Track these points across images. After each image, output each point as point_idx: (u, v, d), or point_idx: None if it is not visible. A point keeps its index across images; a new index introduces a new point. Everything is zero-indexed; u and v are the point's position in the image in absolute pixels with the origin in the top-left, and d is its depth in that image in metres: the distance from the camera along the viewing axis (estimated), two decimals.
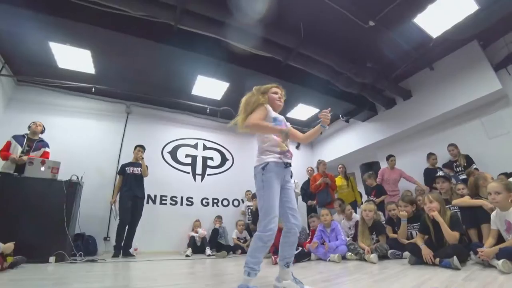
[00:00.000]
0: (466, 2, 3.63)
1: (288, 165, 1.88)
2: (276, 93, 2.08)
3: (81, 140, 5.43)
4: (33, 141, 4.10)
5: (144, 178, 4.97)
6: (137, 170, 4.87)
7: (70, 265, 3.32)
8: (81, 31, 3.73)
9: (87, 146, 5.43)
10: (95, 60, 4.68)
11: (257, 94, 2.02)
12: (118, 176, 4.95)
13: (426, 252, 2.51)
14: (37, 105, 5.23)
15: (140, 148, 5.04)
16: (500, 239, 2.31)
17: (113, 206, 4.75)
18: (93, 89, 5.31)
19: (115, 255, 4.31)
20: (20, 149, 3.95)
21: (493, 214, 2.39)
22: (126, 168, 4.83)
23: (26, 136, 4.11)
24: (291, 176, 1.95)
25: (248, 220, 6.05)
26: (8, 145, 3.94)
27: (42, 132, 4.30)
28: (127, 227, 4.53)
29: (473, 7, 3.67)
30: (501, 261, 1.93)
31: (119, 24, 3.71)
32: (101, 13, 3.49)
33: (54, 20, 3.49)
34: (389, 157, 5.64)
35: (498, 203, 2.30)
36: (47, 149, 4.22)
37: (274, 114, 1.97)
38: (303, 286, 1.76)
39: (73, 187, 3.81)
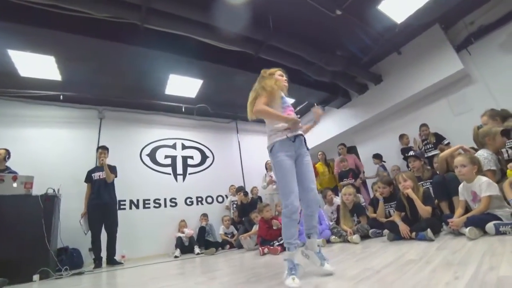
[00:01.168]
0: None
1: (295, 138, 1.90)
2: (281, 75, 2.20)
3: (54, 151, 5.20)
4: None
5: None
6: (103, 175, 4.62)
7: (55, 281, 3.23)
8: (42, 36, 3.54)
9: (61, 157, 5.21)
10: (60, 66, 4.45)
11: (265, 76, 2.14)
12: (85, 183, 4.65)
13: (403, 228, 2.67)
14: (2, 118, 4.93)
15: (102, 150, 4.74)
16: (468, 209, 2.50)
17: (81, 221, 4.43)
18: (61, 96, 5.09)
19: (97, 266, 4.22)
20: None
21: (460, 186, 2.57)
22: (93, 175, 4.62)
23: None
24: (307, 148, 1.98)
25: (233, 215, 6.10)
26: None
27: (6, 158, 3.96)
28: (100, 236, 4.41)
29: None
30: (468, 228, 2.10)
31: (83, 28, 3.57)
32: (62, 16, 3.33)
33: (11, 26, 3.30)
34: (338, 145, 6.04)
35: (464, 175, 2.47)
36: None
37: (282, 94, 2.05)
38: (323, 263, 1.79)
39: (50, 201, 3.68)
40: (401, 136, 5.44)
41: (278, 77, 2.15)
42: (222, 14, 3.72)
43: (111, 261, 4.39)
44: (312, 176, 1.93)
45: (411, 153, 3.87)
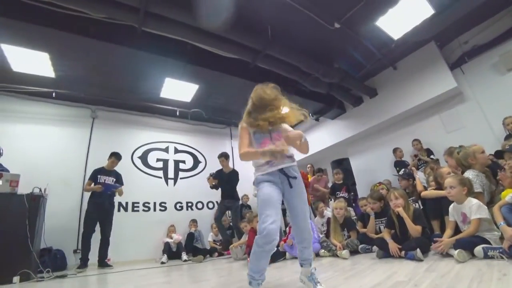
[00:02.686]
0: (423, 7, 3.86)
1: (284, 170, 1.76)
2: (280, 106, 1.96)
3: (43, 149, 5.09)
4: None
5: None
6: (109, 180, 4.64)
7: (36, 283, 3.13)
8: (37, 33, 3.50)
9: (50, 155, 5.10)
10: (54, 63, 4.37)
11: (249, 103, 1.98)
12: (88, 180, 4.62)
13: (392, 246, 2.66)
14: None
15: (115, 158, 4.82)
16: (458, 229, 2.51)
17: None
18: (53, 93, 4.99)
19: (81, 267, 4.11)
20: None
21: (451, 207, 2.58)
22: (99, 176, 4.59)
23: None
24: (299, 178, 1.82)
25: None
26: None
27: None
28: (91, 237, 4.34)
29: (430, 11, 3.91)
30: (457, 251, 2.10)
31: (80, 27, 3.53)
32: (58, 14, 3.29)
33: (5, 22, 3.24)
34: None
35: (453, 197, 2.48)
36: None
37: (258, 136, 1.87)
38: (316, 286, 1.73)
39: (36, 200, 3.57)
40: (395, 150, 5.49)
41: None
42: (220, 21, 3.71)
43: (102, 264, 4.34)
44: (304, 210, 1.78)
45: (401, 172, 3.93)
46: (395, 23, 4.18)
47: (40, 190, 3.72)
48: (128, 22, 3.58)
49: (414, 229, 2.65)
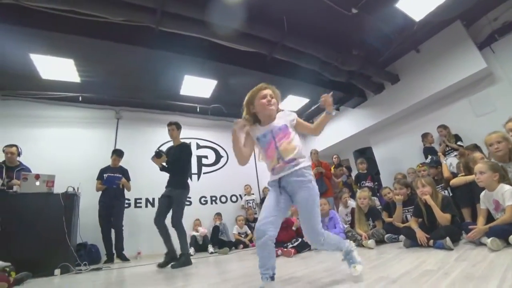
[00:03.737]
0: None
1: (283, 179, 1.71)
2: (264, 96, 1.77)
3: (74, 151, 5.39)
4: (12, 170, 3.88)
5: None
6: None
7: (75, 275, 3.35)
8: (62, 41, 3.69)
9: (80, 156, 5.39)
10: (79, 69, 4.61)
11: (244, 109, 1.86)
12: (96, 180, 4.84)
13: (420, 235, 2.59)
14: (24, 119, 5.15)
15: (116, 156, 4.98)
16: (490, 218, 2.40)
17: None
18: (80, 97, 5.25)
19: (108, 261, 4.42)
20: (0, 182, 3.71)
21: (482, 194, 2.47)
22: (105, 175, 4.78)
23: (3, 165, 3.87)
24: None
25: (248, 214, 6.12)
26: None
27: (19, 155, 4.07)
28: (110, 234, 4.63)
29: None
30: (490, 239, 2.01)
31: (100, 31, 3.66)
32: (80, 21, 3.43)
33: (33, 32, 3.44)
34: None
35: (483, 183, 2.37)
36: None
37: (258, 132, 1.80)
38: (349, 267, 1.80)
39: (70, 199, 3.81)
40: (425, 135, 5.18)
41: (260, 102, 1.78)
42: (235, 15, 3.71)
43: (120, 256, 4.60)
44: (315, 216, 1.68)
45: (428, 159, 3.78)
46: (417, 4, 4.00)
47: (74, 189, 3.95)
48: (145, 23, 3.67)
49: (443, 217, 2.57)
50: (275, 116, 1.84)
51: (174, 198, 3.66)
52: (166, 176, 6.12)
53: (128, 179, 4.97)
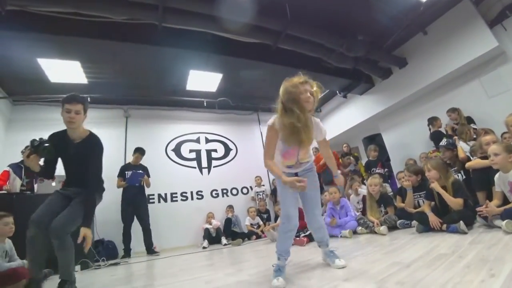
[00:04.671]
0: None
1: (299, 173, 1.99)
2: (303, 92, 1.70)
3: None
4: (31, 171, 3.80)
5: (152, 178, 5.10)
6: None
7: (95, 271, 3.48)
8: (67, 43, 3.71)
9: None
10: (86, 70, 4.67)
11: (279, 107, 1.78)
12: (117, 178, 4.95)
13: (433, 219, 2.58)
14: (36, 122, 5.25)
15: (139, 154, 5.11)
16: (506, 201, 2.36)
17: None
18: (88, 98, 5.30)
19: (125, 256, 4.53)
20: (19, 182, 3.79)
21: (496, 176, 2.42)
22: (126, 172, 4.92)
23: (22, 166, 3.90)
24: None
25: (260, 206, 6.18)
26: (5, 175, 3.75)
27: None
28: (131, 229, 4.72)
29: None
30: (505, 221, 1.99)
31: (104, 32, 3.68)
32: (84, 23, 3.45)
33: (38, 36, 3.48)
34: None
35: (497, 165, 2.33)
36: None
37: (288, 142, 1.77)
38: (333, 261, 1.91)
39: None
40: (434, 119, 5.00)
41: (300, 97, 1.69)
42: (237, 7, 3.67)
43: (150, 251, 4.70)
44: (316, 201, 2.02)
45: (443, 142, 3.69)
46: None
47: None
48: (148, 21, 3.67)
49: (454, 202, 2.54)
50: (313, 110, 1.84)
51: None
52: (178, 171, 6.28)
53: (148, 176, 5.09)
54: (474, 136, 3.97)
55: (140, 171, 4.97)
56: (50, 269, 3.09)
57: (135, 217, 4.83)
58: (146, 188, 5.09)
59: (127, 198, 4.81)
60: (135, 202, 4.82)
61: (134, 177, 4.84)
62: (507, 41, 4.39)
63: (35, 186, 3.80)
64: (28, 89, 4.97)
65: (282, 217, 1.92)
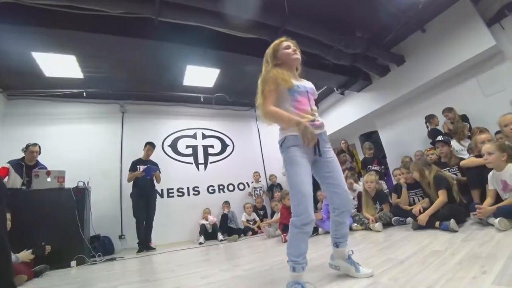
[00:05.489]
0: None
1: (318, 136, 1.54)
2: (288, 47, 1.73)
3: (81, 146, 5.46)
4: (31, 169, 3.89)
5: None
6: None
7: (91, 266, 3.48)
8: (62, 37, 3.64)
9: (88, 151, 5.47)
10: (81, 65, 4.61)
11: (269, 61, 1.74)
12: (129, 172, 4.95)
13: (416, 210, 2.69)
14: (31, 117, 5.23)
15: (150, 146, 5.15)
16: (498, 199, 2.39)
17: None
18: (84, 93, 5.29)
19: (140, 250, 4.53)
20: (19, 180, 3.76)
21: (490, 175, 2.45)
22: (138, 166, 4.93)
23: (23, 163, 3.92)
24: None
25: (256, 202, 6.19)
26: (4, 171, 3.70)
27: (39, 153, 4.14)
28: (144, 223, 4.73)
29: None
30: (498, 219, 2.01)
31: (99, 26, 3.63)
32: (79, 17, 3.40)
33: (33, 30, 3.42)
34: None
35: (491, 164, 2.35)
36: None
37: (290, 83, 1.60)
38: (358, 268, 1.54)
39: (81, 193, 3.92)
40: (431, 117, 5.07)
41: (284, 52, 1.71)
42: (235, 2, 3.64)
43: (146, 247, 4.70)
44: (340, 174, 1.59)
45: (439, 137, 3.70)
46: None
47: (84, 183, 4.05)
48: (144, 14, 3.62)
49: (439, 202, 2.61)
50: (300, 72, 1.79)
51: None
52: (175, 166, 6.26)
53: (159, 171, 5.12)
54: (469, 135, 4.01)
55: (155, 166, 5.01)
56: (45, 265, 3.10)
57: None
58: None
59: (139, 191, 4.81)
60: (147, 195, 4.85)
61: (148, 171, 4.85)
62: (505, 40, 4.39)
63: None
64: (22, 83, 4.91)
65: (294, 206, 1.43)
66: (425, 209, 2.73)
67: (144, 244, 4.68)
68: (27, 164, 3.98)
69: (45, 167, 4.10)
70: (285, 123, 1.53)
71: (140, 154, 5.14)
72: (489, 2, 4.52)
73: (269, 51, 1.77)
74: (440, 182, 2.71)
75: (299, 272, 1.40)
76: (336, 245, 1.62)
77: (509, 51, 4.38)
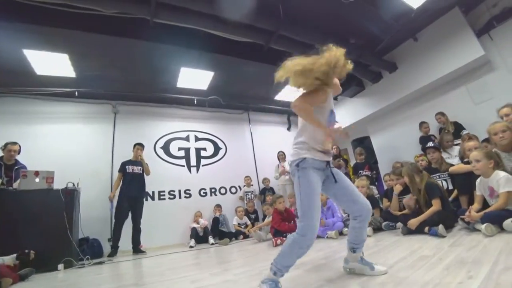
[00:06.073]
0: None
1: (328, 164, 1.65)
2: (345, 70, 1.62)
3: (72, 146, 5.36)
4: (10, 169, 3.84)
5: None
6: (137, 169, 4.94)
7: (79, 270, 3.40)
8: (55, 35, 3.62)
9: (79, 151, 5.37)
10: (74, 64, 4.53)
11: (327, 67, 1.51)
12: (118, 173, 4.96)
13: (412, 223, 2.66)
14: (20, 116, 5.09)
15: (139, 146, 5.11)
16: (486, 204, 2.44)
17: (111, 204, 4.77)
18: (76, 92, 5.21)
19: (112, 254, 4.42)
20: None
21: (477, 181, 2.50)
22: (127, 167, 4.89)
23: (2, 163, 3.84)
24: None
25: (248, 206, 6.19)
26: None
27: (18, 153, 4.05)
28: (122, 227, 4.63)
29: None
30: (484, 225, 2.05)
31: (94, 25, 3.61)
32: (73, 15, 3.37)
33: (25, 27, 3.39)
34: None
35: (479, 170, 2.41)
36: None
37: (331, 106, 1.69)
38: (373, 267, 1.61)
39: (70, 194, 3.83)
40: (421, 124, 5.22)
41: (343, 71, 1.61)
42: (230, 5, 3.66)
43: (136, 250, 4.63)
44: (351, 184, 1.68)
45: (430, 144, 3.76)
46: None
47: (73, 184, 3.97)
48: (139, 15, 3.62)
49: (431, 211, 2.63)
50: None
51: None
52: (167, 169, 6.20)
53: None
54: (456, 143, 4.12)
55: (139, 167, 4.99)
56: (31, 268, 3.02)
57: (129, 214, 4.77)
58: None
59: (125, 192, 4.75)
60: (132, 197, 4.77)
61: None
62: (493, 51, 4.53)
63: (16, 183, 3.67)
64: (12, 80, 4.81)
65: (302, 227, 1.46)
66: (409, 207, 2.80)
67: (134, 248, 4.62)
68: (6, 164, 3.88)
69: (24, 167, 4.00)
70: (313, 123, 1.57)
71: (130, 156, 5.10)
72: (479, 13, 4.65)
73: (332, 58, 1.53)
74: (433, 191, 2.73)
75: (278, 277, 1.51)
76: (353, 250, 1.67)
77: (497, 61, 4.51)
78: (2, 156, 3.91)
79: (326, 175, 1.64)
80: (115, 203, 4.84)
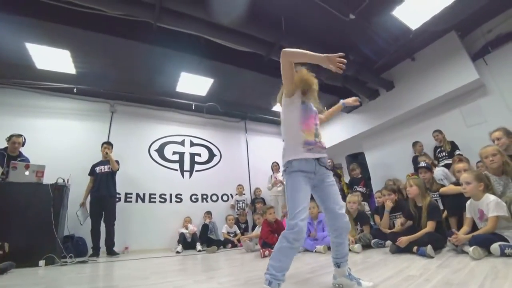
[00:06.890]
0: None
1: (320, 161, 1.65)
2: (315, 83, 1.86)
3: (66, 142, 5.32)
4: (14, 160, 3.81)
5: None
6: (105, 168, 4.80)
7: (60, 267, 3.32)
8: (58, 32, 3.65)
9: (72, 148, 5.32)
10: (75, 60, 4.56)
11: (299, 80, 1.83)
12: (89, 176, 4.83)
13: (402, 240, 2.65)
14: (17, 108, 5.07)
15: (107, 145, 4.96)
16: (475, 227, 2.45)
17: (78, 212, 4.58)
18: (74, 89, 5.20)
19: (93, 254, 4.35)
20: (0, 170, 3.64)
21: (468, 203, 2.52)
22: (96, 168, 4.78)
23: (6, 154, 3.85)
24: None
25: (237, 214, 6.14)
26: None
27: (23, 145, 4.06)
28: (100, 227, 4.56)
29: None
30: (472, 247, 2.06)
31: (97, 24, 3.65)
32: (78, 13, 3.40)
33: (29, 22, 3.41)
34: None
35: (469, 193, 2.42)
36: None
37: (306, 98, 1.82)
38: (360, 282, 1.61)
39: (59, 190, 3.77)
40: (414, 144, 5.30)
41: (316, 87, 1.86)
42: (233, 15, 3.72)
43: (110, 252, 4.52)
44: (339, 198, 1.67)
45: (422, 164, 3.80)
46: (413, 12, 4.05)
47: (64, 180, 3.91)
48: (143, 19, 3.65)
49: (424, 232, 2.63)
50: None
51: None
52: (159, 172, 6.15)
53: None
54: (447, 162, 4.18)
55: (107, 165, 4.83)
56: (11, 262, 2.95)
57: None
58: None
59: (95, 196, 4.66)
60: (103, 201, 4.65)
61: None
62: (488, 75, 4.63)
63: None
64: (12, 72, 4.79)
65: (289, 221, 1.47)
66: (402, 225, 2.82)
67: (108, 249, 4.54)
68: (9, 155, 3.87)
69: (27, 160, 3.98)
70: (308, 58, 1.71)
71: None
72: (475, 38, 4.78)
73: (307, 80, 1.86)
74: (434, 213, 2.70)
75: (273, 287, 1.39)
76: (338, 265, 1.67)
77: (491, 86, 4.62)
78: (7, 147, 3.90)
79: (318, 177, 1.65)
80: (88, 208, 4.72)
